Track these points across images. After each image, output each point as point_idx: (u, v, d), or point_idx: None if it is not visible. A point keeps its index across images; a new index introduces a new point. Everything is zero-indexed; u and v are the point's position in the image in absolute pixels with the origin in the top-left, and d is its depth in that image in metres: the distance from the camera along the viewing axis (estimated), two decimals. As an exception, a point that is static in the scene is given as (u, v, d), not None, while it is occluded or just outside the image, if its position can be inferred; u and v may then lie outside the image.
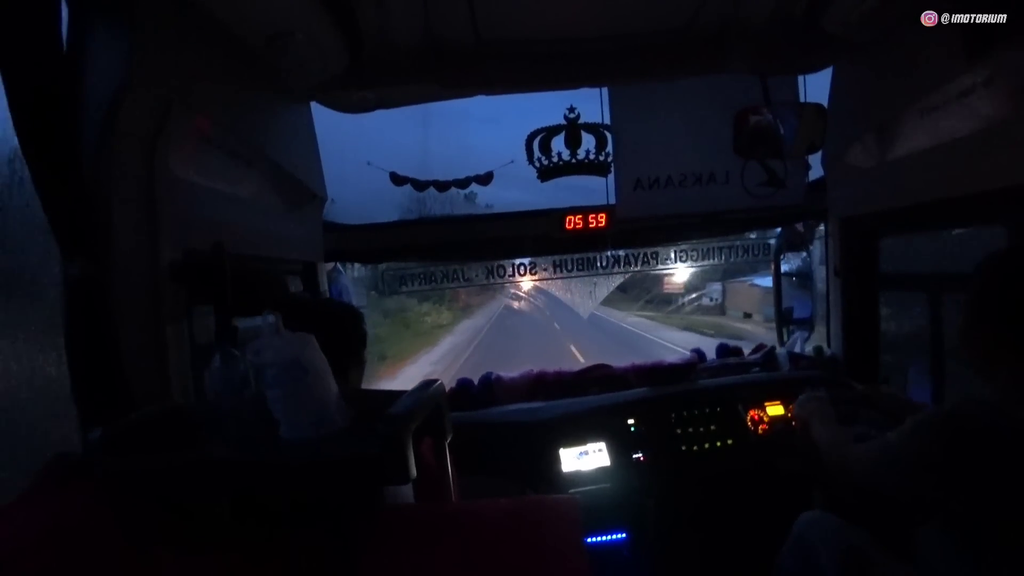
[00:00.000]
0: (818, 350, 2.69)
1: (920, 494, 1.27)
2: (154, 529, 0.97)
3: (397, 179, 2.57)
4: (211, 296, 1.38)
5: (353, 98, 2.14)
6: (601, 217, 2.60)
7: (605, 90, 2.49)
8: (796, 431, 2.07)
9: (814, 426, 1.73)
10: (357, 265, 2.84)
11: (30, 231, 1.12)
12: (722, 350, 2.86)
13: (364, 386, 1.52)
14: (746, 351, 2.87)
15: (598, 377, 2.60)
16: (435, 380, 1.18)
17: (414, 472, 0.95)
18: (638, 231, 2.73)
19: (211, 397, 1.18)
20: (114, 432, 1.03)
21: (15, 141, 1.02)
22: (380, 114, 2.33)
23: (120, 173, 1.20)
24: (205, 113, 1.48)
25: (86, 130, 1.13)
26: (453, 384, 2.56)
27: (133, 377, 1.17)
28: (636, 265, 2.93)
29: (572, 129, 2.50)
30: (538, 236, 2.68)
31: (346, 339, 1.39)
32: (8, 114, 1.01)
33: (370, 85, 2.07)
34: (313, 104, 2.25)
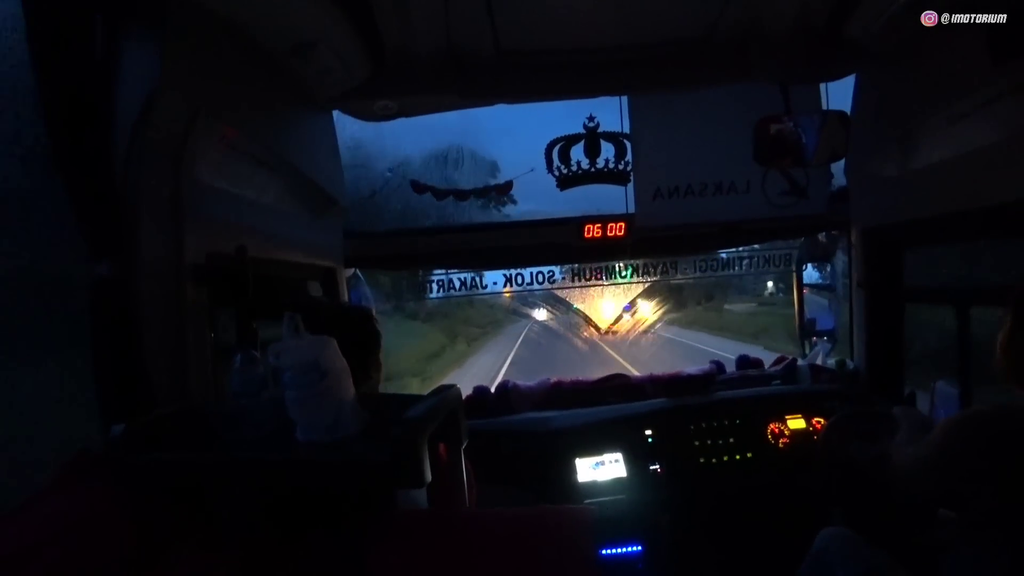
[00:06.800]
0: (841, 363, 2.64)
1: (952, 491, 1.30)
2: (171, 526, 0.99)
3: (418, 187, 2.60)
4: (233, 298, 1.41)
5: (375, 107, 2.17)
6: (620, 226, 2.59)
7: (625, 99, 2.49)
8: (819, 446, 2.03)
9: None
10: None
11: (60, 232, 1.15)
12: (742, 361, 2.83)
13: None
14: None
15: (615, 387, 2.59)
16: (451, 385, 1.19)
17: (429, 476, 0.95)
18: (657, 240, 2.72)
19: (230, 398, 1.19)
20: (135, 429, 1.05)
21: (48, 145, 1.06)
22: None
23: (147, 177, 1.23)
24: (230, 120, 1.51)
25: (116, 135, 1.16)
26: (469, 391, 2.56)
27: (155, 376, 1.19)
28: (655, 275, 2.91)
29: (592, 138, 2.51)
30: (556, 245, 2.68)
31: (364, 341, 1.40)
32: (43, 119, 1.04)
33: (391, 94, 2.09)
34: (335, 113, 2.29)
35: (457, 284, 2.83)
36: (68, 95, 1.07)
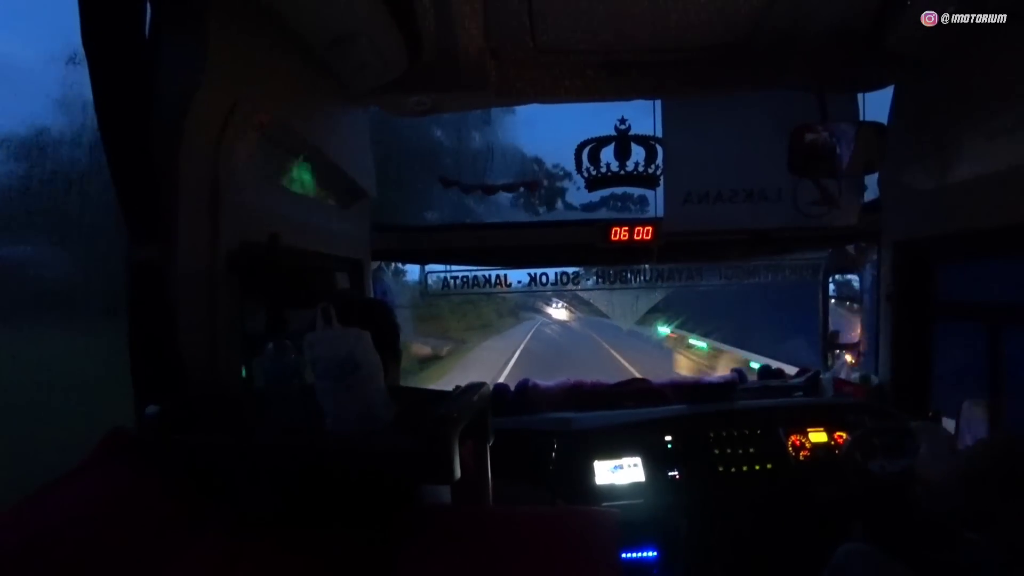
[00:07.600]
0: (865, 378, 2.60)
1: (978, 511, 1.29)
2: (200, 508, 1.00)
3: (446, 182, 2.61)
4: (265, 286, 1.42)
5: (408, 102, 2.17)
6: (647, 230, 2.57)
7: (658, 102, 2.47)
8: (841, 460, 2.01)
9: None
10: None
11: (106, 216, 1.18)
12: (764, 372, 2.80)
13: None
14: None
15: (635, 391, 2.58)
16: (482, 383, 1.19)
17: (459, 472, 0.95)
18: (683, 245, 2.70)
19: (261, 385, 1.21)
20: (168, 411, 1.07)
21: (96, 133, 1.08)
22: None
23: (187, 165, 1.25)
24: (268, 111, 1.53)
25: (158, 125, 1.18)
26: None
27: (188, 359, 1.21)
28: (680, 280, 2.89)
29: (622, 140, 2.49)
30: (582, 246, 2.67)
31: (385, 333, 1.40)
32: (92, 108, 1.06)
33: (426, 90, 2.09)
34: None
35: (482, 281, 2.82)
36: (114, 84, 1.09)
